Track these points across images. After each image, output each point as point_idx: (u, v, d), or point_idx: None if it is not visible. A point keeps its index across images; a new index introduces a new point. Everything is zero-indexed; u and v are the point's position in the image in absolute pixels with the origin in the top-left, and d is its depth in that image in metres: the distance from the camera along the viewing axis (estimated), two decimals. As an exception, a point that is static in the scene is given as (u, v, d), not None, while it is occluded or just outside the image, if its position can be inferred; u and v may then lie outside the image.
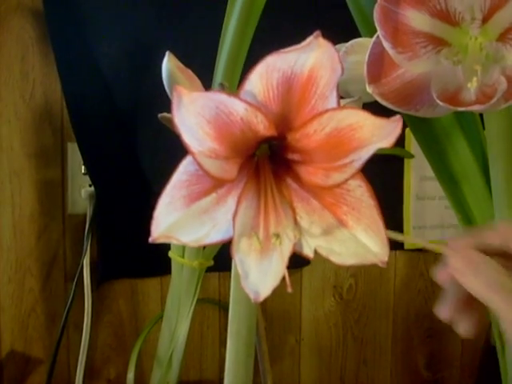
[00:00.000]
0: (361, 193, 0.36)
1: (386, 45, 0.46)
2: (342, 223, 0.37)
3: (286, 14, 1.03)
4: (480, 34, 0.46)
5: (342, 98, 0.52)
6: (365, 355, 1.32)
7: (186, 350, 0.94)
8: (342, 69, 0.34)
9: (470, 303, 0.42)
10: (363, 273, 1.30)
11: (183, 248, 0.86)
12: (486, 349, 1.37)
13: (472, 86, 0.43)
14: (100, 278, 1.10)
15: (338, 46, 0.54)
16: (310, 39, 0.32)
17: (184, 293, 0.89)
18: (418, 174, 1.28)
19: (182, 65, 0.47)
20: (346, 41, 0.56)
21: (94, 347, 1.12)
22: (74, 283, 1.04)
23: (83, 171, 1.08)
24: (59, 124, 1.09)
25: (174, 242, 0.36)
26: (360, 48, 0.54)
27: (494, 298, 0.38)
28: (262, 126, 0.34)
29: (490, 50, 0.46)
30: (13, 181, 1.06)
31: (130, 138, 1.10)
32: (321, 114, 0.34)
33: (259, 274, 0.37)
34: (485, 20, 0.45)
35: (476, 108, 0.43)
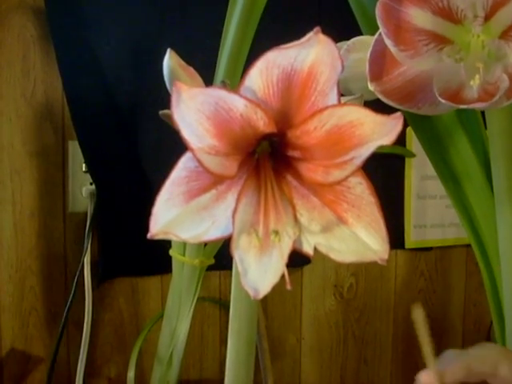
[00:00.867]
0: (361, 190, 0.36)
1: (388, 42, 0.46)
2: (342, 220, 0.37)
3: (288, 13, 1.03)
4: (482, 32, 0.46)
5: (343, 95, 0.52)
6: (365, 354, 1.32)
7: (186, 349, 0.94)
8: (342, 65, 0.33)
9: None
10: (364, 272, 1.30)
11: (184, 246, 0.86)
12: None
13: (474, 84, 0.42)
14: (101, 277, 1.10)
15: (339, 44, 0.54)
16: (309, 35, 0.32)
17: (185, 291, 0.89)
18: (419, 173, 1.28)
19: (183, 62, 0.46)
20: (348, 39, 0.55)
21: (94, 346, 1.12)
22: (75, 282, 1.04)
23: (84, 169, 1.08)
24: (60, 122, 1.08)
25: (172, 238, 0.36)
26: (361, 46, 0.54)
27: None
28: (262, 123, 0.34)
29: (492, 47, 0.45)
30: (14, 179, 1.06)
31: (130, 137, 1.09)
32: (321, 110, 0.34)
33: (259, 271, 0.37)
34: (487, 18, 0.45)
35: (478, 106, 0.43)
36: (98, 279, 1.09)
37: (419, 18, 0.45)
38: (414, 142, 1.20)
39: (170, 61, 0.46)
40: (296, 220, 0.37)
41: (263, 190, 0.37)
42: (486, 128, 0.63)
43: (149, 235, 0.36)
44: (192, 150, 0.33)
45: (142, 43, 1.05)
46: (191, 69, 0.47)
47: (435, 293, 1.37)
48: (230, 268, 0.57)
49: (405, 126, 0.59)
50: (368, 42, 0.49)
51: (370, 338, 1.31)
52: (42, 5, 1.02)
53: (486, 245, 0.70)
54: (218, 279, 1.18)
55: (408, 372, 1.36)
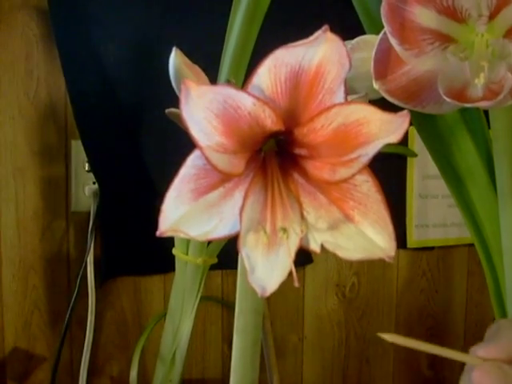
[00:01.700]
0: (368, 188, 0.36)
1: (393, 41, 0.46)
2: (348, 218, 0.37)
3: (292, 12, 1.03)
4: (486, 31, 0.46)
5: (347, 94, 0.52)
6: (367, 354, 1.32)
7: (189, 348, 0.94)
8: (350, 63, 0.34)
9: None
10: (366, 271, 1.30)
11: (187, 245, 0.86)
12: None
13: (479, 82, 0.43)
14: (103, 276, 1.10)
15: (343, 43, 0.54)
16: (318, 33, 0.32)
17: (187, 290, 0.89)
18: (421, 173, 1.28)
19: (189, 61, 0.47)
20: (351, 38, 0.56)
21: (97, 344, 1.12)
22: (78, 280, 1.04)
23: (87, 169, 1.09)
24: (63, 121, 1.09)
25: (181, 235, 0.36)
26: (365, 45, 0.54)
27: None
28: (270, 121, 0.34)
29: (497, 46, 0.46)
30: (17, 178, 1.06)
31: (134, 136, 1.10)
32: (328, 108, 0.34)
33: (266, 268, 0.37)
34: (491, 17, 0.45)
35: (483, 104, 0.43)
36: (101, 278, 1.10)
37: (424, 16, 0.45)
38: (416, 142, 1.21)
39: (175, 59, 0.46)
40: (303, 218, 0.38)
41: (270, 187, 0.38)
42: (489, 127, 0.64)
43: (158, 233, 0.36)
44: (200, 148, 0.34)
45: (146, 42, 1.05)
46: (197, 67, 0.47)
47: (437, 292, 1.37)
48: (233, 267, 0.57)
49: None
50: (372, 41, 0.50)
51: (372, 337, 1.31)
52: (45, 4, 1.03)
53: (489, 244, 0.70)
54: (221, 278, 1.19)
55: (410, 371, 1.36)
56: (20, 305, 1.08)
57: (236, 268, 0.57)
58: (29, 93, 1.06)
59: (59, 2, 1.03)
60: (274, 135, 0.37)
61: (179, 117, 0.33)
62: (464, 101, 0.44)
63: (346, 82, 0.34)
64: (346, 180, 0.37)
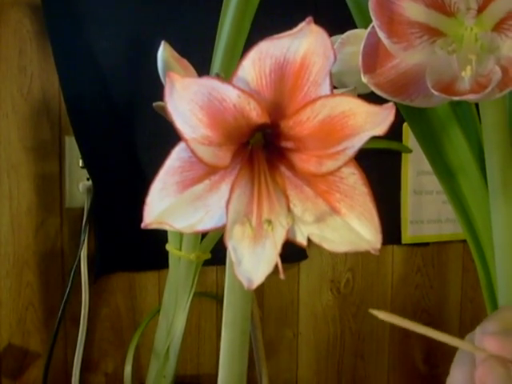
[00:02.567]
0: (354, 180, 0.36)
1: (381, 35, 0.46)
2: (335, 211, 0.37)
3: (284, 6, 1.03)
4: (475, 25, 0.46)
5: (336, 88, 0.52)
6: (362, 350, 1.32)
7: (183, 344, 0.95)
8: (335, 55, 0.34)
9: None
10: (360, 267, 1.30)
11: (180, 241, 0.86)
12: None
13: (466, 75, 0.43)
14: (97, 272, 1.10)
15: (333, 38, 0.54)
16: (301, 25, 0.32)
17: (181, 286, 0.89)
18: (416, 169, 1.29)
19: (177, 54, 0.47)
20: (344, 32, 0.56)
21: (91, 341, 1.12)
22: (72, 277, 1.04)
23: (81, 165, 1.09)
24: (57, 118, 1.09)
25: (166, 227, 0.36)
26: (355, 39, 0.54)
27: None
28: (255, 113, 0.34)
29: (485, 40, 0.46)
30: (10, 175, 1.06)
31: (127, 132, 1.10)
32: (314, 101, 0.34)
33: (252, 261, 0.37)
34: (480, 10, 0.45)
35: (471, 97, 0.43)
36: (95, 274, 1.10)
37: (412, 10, 0.45)
38: (410, 138, 1.21)
39: (163, 53, 0.46)
40: (289, 210, 0.38)
41: (257, 180, 0.38)
42: (480, 122, 0.64)
43: (143, 225, 0.36)
44: (185, 141, 0.34)
45: (139, 39, 1.05)
46: (185, 61, 0.47)
47: (432, 288, 1.37)
48: (227, 263, 0.58)
49: (401, 121, 0.59)
50: (362, 35, 0.50)
51: (367, 333, 1.32)
52: (38, 0, 1.02)
53: (482, 240, 0.70)
54: (215, 274, 1.19)
55: (405, 367, 1.36)
56: (14, 301, 1.08)
57: (230, 264, 0.57)
58: (22, 89, 1.06)
59: (52, -3, 1.02)
60: (260, 128, 0.37)
61: (165, 109, 0.33)
62: (452, 94, 0.44)
63: (331, 75, 0.34)
64: (332, 173, 0.36)
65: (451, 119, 0.69)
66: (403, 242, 1.30)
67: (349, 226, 0.37)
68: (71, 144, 1.08)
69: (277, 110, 0.35)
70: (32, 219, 1.08)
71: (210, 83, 0.33)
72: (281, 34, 0.32)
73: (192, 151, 0.34)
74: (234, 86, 0.33)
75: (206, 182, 0.36)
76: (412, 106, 0.49)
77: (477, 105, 0.65)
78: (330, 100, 0.34)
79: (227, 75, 0.69)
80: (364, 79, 0.47)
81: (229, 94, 0.33)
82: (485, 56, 0.45)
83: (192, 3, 1.08)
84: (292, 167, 0.38)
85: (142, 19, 1.07)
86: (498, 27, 0.45)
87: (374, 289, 1.31)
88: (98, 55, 1.06)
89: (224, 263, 0.58)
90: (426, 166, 0.72)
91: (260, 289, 1.22)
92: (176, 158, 0.35)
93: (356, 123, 0.34)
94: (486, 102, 0.57)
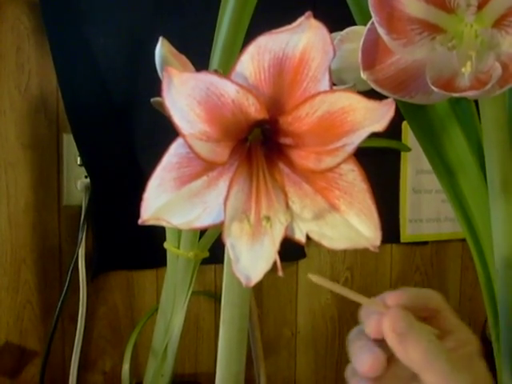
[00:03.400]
0: (353, 177, 0.36)
1: (381, 31, 0.46)
2: (334, 207, 0.37)
3: (283, 2, 1.03)
4: (475, 21, 0.46)
5: (335, 85, 0.51)
6: (361, 349, 1.32)
7: (181, 343, 0.94)
8: (334, 51, 0.33)
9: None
10: (359, 266, 1.30)
11: (179, 239, 0.86)
12: (481, 342, 1.37)
13: (466, 71, 0.42)
14: (95, 270, 1.10)
15: (333, 35, 0.54)
16: (301, 20, 0.32)
17: (179, 284, 0.89)
18: (415, 168, 1.28)
19: (175, 50, 0.46)
20: (343, 29, 0.55)
21: (89, 339, 1.12)
22: (69, 275, 1.04)
23: (79, 162, 1.08)
24: (55, 115, 1.08)
25: (164, 224, 0.36)
26: (355, 36, 0.53)
27: (425, 371, 0.37)
28: (254, 109, 0.34)
29: (485, 36, 0.45)
30: (8, 172, 1.06)
31: (125, 130, 1.09)
32: (313, 96, 0.34)
33: (250, 258, 0.37)
34: (480, 6, 0.45)
35: (470, 94, 0.43)
36: (93, 272, 1.09)
37: (412, 6, 0.45)
38: (409, 137, 1.21)
39: (161, 49, 0.45)
40: (288, 207, 0.37)
41: (255, 177, 0.37)
42: (480, 121, 0.63)
43: (140, 221, 0.36)
44: (183, 136, 0.33)
45: (137, 35, 1.04)
46: (183, 57, 0.46)
47: (431, 287, 1.37)
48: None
49: (401, 120, 0.58)
50: (361, 32, 0.49)
51: (366, 332, 1.31)
52: (36, -3, 1.02)
53: (481, 238, 0.70)
54: (214, 273, 1.18)
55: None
56: (12, 299, 1.08)
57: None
58: (20, 86, 1.05)
59: (50, -6, 1.02)
60: (259, 124, 0.36)
61: (163, 105, 0.33)
62: (452, 90, 0.43)
63: (330, 70, 0.34)
64: (331, 169, 0.36)
65: (451, 117, 0.68)
66: (402, 240, 1.30)
67: (348, 223, 0.37)
68: (69, 141, 1.07)
69: (275, 105, 0.35)
70: (29, 217, 1.08)
71: (208, 78, 0.32)
72: (280, 29, 0.32)
73: (190, 147, 0.34)
74: (232, 81, 0.33)
75: (204, 178, 0.36)
76: (411, 103, 0.48)
77: (476, 103, 0.65)
78: (330, 96, 0.34)
79: (226, 72, 0.69)
80: (363, 76, 0.46)
81: (227, 89, 0.32)
82: (485, 52, 0.45)
83: (191, 2, 1.07)
84: (291, 164, 0.38)
85: (140, 15, 1.06)
86: (498, 23, 0.45)
87: (372, 288, 1.31)
88: (96, 52, 1.05)
89: (222, 261, 0.57)
90: (426, 164, 0.72)
91: (258, 287, 1.22)
92: (174, 153, 0.35)
93: (355, 119, 0.34)
94: (486, 100, 0.57)
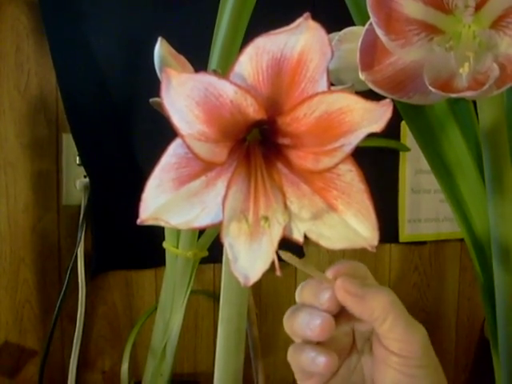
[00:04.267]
0: (351, 177, 0.36)
1: (379, 32, 0.46)
2: (331, 208, 0.37)
3: (282, 3, 1.03)
4: (473, 22, 0.46)
5: (333, 85, 0.52)
6: (359, 348, 1.32)
7: (180, 342, 0.94)
8: (332, 52, 0.33)
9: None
10: (358, 266, 1.30)
11: (177, 238, 0.86)
12: (480, 342, 1.37)
13: (464, 72, 0.43)
14: (94, 270, 1.10)
15: (331, 35, 0.54)
16: (299, 21, 0.32)
17: (178, 284, 0.89)
18: (414, 168, 1.29)
19: (174, 50, 0.46)
20: (342, 30, 0.55)
21: (88, 338, 1.12)
22: (68, 274, 1.04)
23: (78, 162, 1.08)
24: (54, 115, 1.08)
25: (162, 224, 0.36)
26: (353, 36, 0.54)
27: (387, 320, 0.41)
28: (252, 109, 0.34)
29: (483, 37, 0.45)
30: (7, 172, 1.06)
31: (124, 130, 1.09)
32: (311, 97, 0.34)
33: (249, 257, 0.37)
34: (478, 7, 0.45)
35: (468, 94, 0.43)
36: (92, 272, 1.09)
37: (410, 7, 0.45)
38: (408, 137, 1.21)
39: (160, 49, 0.46)
40: (286, 207, 0.37)
41: (253, 177, 0.37)
42: (478, 121, 0.64)
43: (138, 221, 0.36)
44: (182, 137, 0.33)
45: (136, 35, 1.04)
46: (182, 57, 0.47)
47: (429, 287, 1.37)
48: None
49: (400, 120, 0.59)
50: (359, 32, 0.49)
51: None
52: (35, -3, 1.02)
53: (479, 238, 0.71)
54: (212, 272, 1.19)
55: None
56: (11, 298, 1.08)
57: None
58: (19, 86, 1.06)
59: (49, -6, 1.02)
60: (257, 124, 0.36)
61: (161, 105, 0.33)
62: (449, 91, 0.44)
63: (328, 71, 0.34)
64: (329, 169, 0.36)
65: (449, 118, 0.69)
66: (401, 240, 1.30)
67: (346, 223, 0.37)
68: (68, 141, 1.08)
69: (274, 106, 0.35)
70: (29, 216, 1.08)
71: (206, 79, 0.32)
72: (278, 30, 0.32)
73: (188, 147, 0.34)
74: (230, 82, 0.33)
75: (203, 178, 0.36)
76: (410, 103, 0.49)
77: (474, 103, 0.65)
78: (328, 96, 0.34)
79: (224, 72, 0.69)
80: (362, 76, 0.47)
81: (225, 89, 0.33)
82: (483, 53, 0.45)
83: (190, 1, 1.08)
84: (289, 164, 0.38)
85: (139, 15, 1.06)
86: (496, 24, 0.45)
87: (371, 287, 1.31)
88: (95, 52, 1.06)
89: (221, 261, 0.58)
90: (424, 164, 0.72)
91: (257, 287, 1.22)
92: (172, 154, 0.35)
93: (353, 120, 0.34)
94: (484, 100, 0.57)
